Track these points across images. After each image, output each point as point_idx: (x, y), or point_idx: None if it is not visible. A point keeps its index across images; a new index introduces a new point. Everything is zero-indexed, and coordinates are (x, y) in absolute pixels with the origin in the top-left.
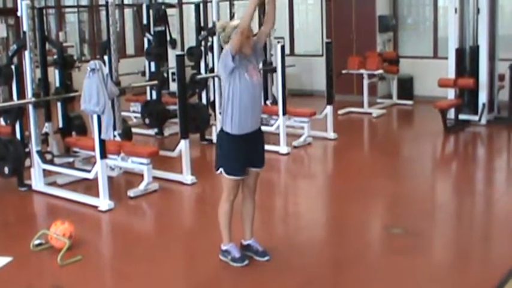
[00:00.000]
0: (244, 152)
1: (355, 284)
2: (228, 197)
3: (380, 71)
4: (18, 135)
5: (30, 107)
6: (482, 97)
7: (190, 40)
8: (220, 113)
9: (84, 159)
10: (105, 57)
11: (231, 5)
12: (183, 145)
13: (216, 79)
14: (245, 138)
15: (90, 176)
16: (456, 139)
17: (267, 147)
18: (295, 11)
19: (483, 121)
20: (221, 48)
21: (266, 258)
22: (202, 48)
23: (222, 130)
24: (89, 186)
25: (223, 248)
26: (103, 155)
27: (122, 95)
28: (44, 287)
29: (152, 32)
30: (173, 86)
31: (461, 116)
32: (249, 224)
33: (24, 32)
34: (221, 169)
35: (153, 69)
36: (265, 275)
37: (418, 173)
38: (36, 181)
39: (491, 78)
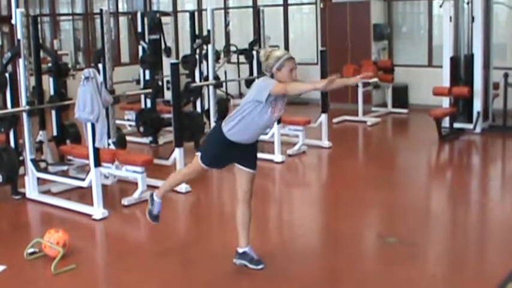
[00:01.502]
0: (228, 153)
1: None
2: (187, 175)
3: (375, 80)
4: (12, 144)
5: (24, 115)
6: (477, 105)
7: (185, 48)
8: (215, 122)
9: (78, 168)
10: (100, 65)
11: (226, 13)
12: (177, 153)
13: (211, 87)
14: (236, 143)
15: (84, 184)
16: (451, 147)
17: (262, 155)
18: (290, 19)
19: (478, 129)
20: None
21: (260, 266)
22: (197, 56)
23: (220, 125)
24: (83, 195)
25: (154, 196)
26: (97, 163)
27: (116, 103)
28: None
29: (147, 40)
30: (168, 94)
31: (456, 125)
32: (244, 232)
33: (18, 40)
34: (199, 153)
35: (147, 77)
36: (259, 283)
37: (413, 181)
38: (30, 189)
39: (485, 87)
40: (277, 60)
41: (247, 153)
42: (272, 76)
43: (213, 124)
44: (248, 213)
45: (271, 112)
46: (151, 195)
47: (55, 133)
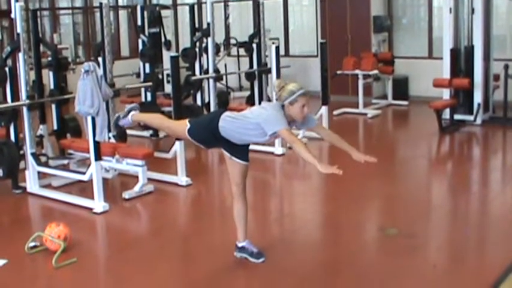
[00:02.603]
0: (218, 141)
1: (350, 285)
2: (169, 126)
3: (375, 72)
4: (12, 138)
5: (25, 109)
6: (477, 97)
7: (185, 41)
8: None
9: (78, 161)
10: (100, 59)
11: (226, 6)
12: (177, 146)
13: (211, 80)
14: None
15: (84, 178)
16: (451, 139)
17: (262, 148)
18: (290, 11)
19: (478, 121)
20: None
21: (261, 260)
22: (197, 49)
23: (220, 114)
24: (84, 188)
25: (131, 113)
26: (98, 157)
27: (117, 97)
28: None
29: (147, 34)
30: (168, 88)
31: (457, 116)
32: (242, 225)
33: (18, 34)
34: (189, 124)
35: (147, 70)
36: (260, 276)
37: (414, 173)
38: (31, 183)
39: (486, 78)
40: (291, 95)
41: (238, 147)
42: (283, 106)
43: None
44: (244, 207)
45: (269, 138)
46: (130, 110)
47: (55, 127)
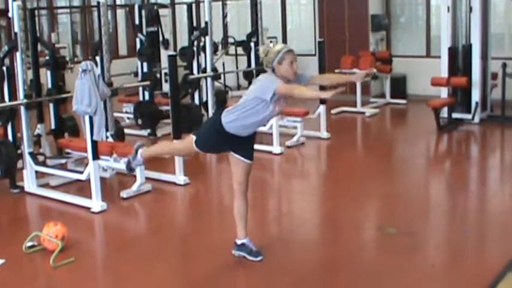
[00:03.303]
0: (224, 143)
1: (349, 283)
2: (177, 148)
3: (373, 70)
4: (10, 137)
5: (22, 109)
6: (475, 96)
7: (183, 40)
8: (213, 113)
9: (76, 161)
10: (97, 58)
11: (224, 5)
12: None
13: (209, 79)
14: (234, 135)
15: (82, 177)
16: (449, 138)
17: (260, 147)
18: (288, 10)
19: (476, 119)
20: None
21: (259, 258)
22: (195, 48)
23: (220, 114)
24: (82, 188)
25: (139, 152)
26: (95, 156)
27: (114, 96)
28: None
29: (144, 33)
30: (166, 87)
31: (455, 115)
32: (243, 223)
33: (15, 33)
34: (195, 135)
35: (145, 69)
36: (258, 274)
37: (412, 172)
38: (29, 183)
39: (484, 77)
40: (277, 54)
41: (244, 143)
42: (273, 70)
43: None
44: (245, 205)
45: (273, 108)
46: (137, 149)
47: (53, 126)
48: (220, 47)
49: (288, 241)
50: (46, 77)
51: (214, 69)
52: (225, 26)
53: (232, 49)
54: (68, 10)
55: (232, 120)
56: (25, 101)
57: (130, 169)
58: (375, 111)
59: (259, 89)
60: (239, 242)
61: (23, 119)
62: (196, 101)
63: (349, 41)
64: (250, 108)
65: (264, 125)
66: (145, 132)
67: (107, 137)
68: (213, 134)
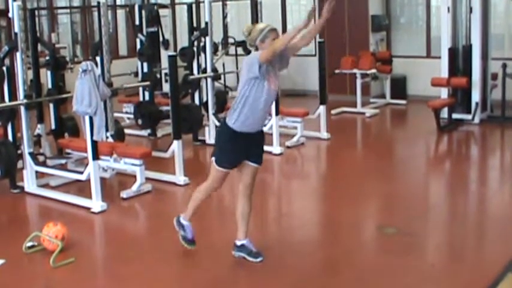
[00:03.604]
0: (240, 147)
1: (349, 284)
2: (210, 186)
3: (373, 71)
4: (10, 137)
5: (22, 109)
6: (476, 96)
7: (183, 41)
8: (213, 114)
9: (76, 161)
10: (98, 58)
11: (224, 5)
12: (175, 146)
13: (209, 79)
14: (245, 135)
15: (82, 177)
16: (449, 138)
17: None
18: (288, 10)
19: (476, 120)
20: (247, 50)
21: (259, 259)
22: (195, 48)
23: (224, 121)
24: (82, 188)
25: (183, 221)
26: (95, 156)
27: (115, 96)
28: None
29: (145, 33)
30: (166, 87)
31: (455, 115)
32: (244, 224)
33: (15, 34)
34: (213, 158)
35: (145, 70)
36: (258, 275)
37: (412, 172)
38: (29, 183)
39: (484, 77)
40: (261, 32)
41: (255, 145)
42: (256, 49)
43: (211, 116)
44: (248, 207)
45: (268, 85)
46: (178, 221)
47: (53, 126)
48: (220, 48)
49: (288, 241)
50: (46, 77)
51: (214, 70)
52: (225, 27)
53: (232, 49)
54: (68, 10)
55: (238, 115)
56: (25, 101)
57: (190, 241)
58: (375, 111)
59: (246, 70)
60: (239, 243)
61: (23, 119)
62: (197, 101)
63: (349, 41)
64: (248, 94)
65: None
66: (145, 133)
67: (107, 137)
68: (227, 142)
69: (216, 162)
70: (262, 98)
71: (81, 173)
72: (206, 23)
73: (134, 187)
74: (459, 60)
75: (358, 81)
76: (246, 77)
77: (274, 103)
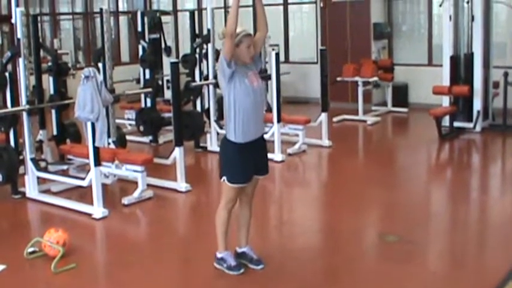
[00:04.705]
0: (249, 160)
1: None
2: (227, 205)
3: (375, 79)
4: (12, 143)
5: (24, 115)
6: (477, 104)
7: (185, 47)
8: (215, 121)
9: (78, 167)
10: (100, 65)
11: (226, 13)
12: (177, 152)
13: (211, 86)
14: (249, 146)
15: (84, 183)
16: (451, 146)
17: None
18: (290, 18)
19: (478, 128)
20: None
21: (260, 266)
22: (197, 55)
23: (225, 138)
24: (83, 194)
25: (219, 255)
26: (97, 163)
27: (116, 103)
28: None
29: (147, 39)
30: (168, 94)
31: (456, 124)
32: (244, 232)
33: (18, 39)
34: (224, 177)
35: (147, 76)
36: (259, 282)
37: (413, 180)
38: (30, 189)
39: (485, 86)
40: (236, 37)
41: (261, 155)
42: None
43: (213, 123)
44: (249, 214)
45: (249, 83)
46: (217, 259)
47: (55, 132)
48: None
49: (289, 249)
50: (48, 83)
51: (216, 77)
52: None
53: None
54: (71, 16)
55: (234, 125)
56: (27, 107)
57: (236, 268)
58: (377, 119)
59: (220, 75)
60: (240, 250)
61: (25, 125)
62: (198, 108)
63: (351, 49)
64: (233, 98)
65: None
66: (147, 139)
67: (108, 144)
68: (235, 159)
69: (228, 181)
70: (249, 100)
71: (83, 179)
72: (208, 30)
73: (135, 193)
74: (461, 68)
75: (360, 89)
76: (224, 81)
77: (275, 109)
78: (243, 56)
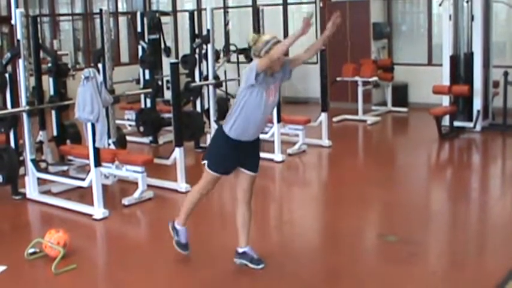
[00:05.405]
0: (234, 155)
1: None
2: (202, 189)
3: (374, 78)
4: (12, 144)
5: (25, 115)
6: (477, 104)
7: (185, 48)
8: (215, 121)
9: (78, 168)
10: (100, 65)
11: (226, 13)
12: (177, 153)
13: (211, 87)
14: (239, 143)
15: (84, 184)
16: (451, 146)
17: (262, 154)
18: (289, 18)
19: (478, 128)
20: (251, 59)
21: (261, 266)
22: (197, 56)
23: (221, 126)
24: (84, 195)
25: (176, 226)
26: (97, 163)
27: (116, 103)
28: None
29: (146, 40)
30: (167, 94)
31: (456, 123)
32: (244, 232)
33: (18, 40)
34: (206, 162)
35: (147, 77)
36: (259, 282)
37: (413, 180)
38: (31, 189)
39: (485, 85)
40: (266, 44)
41: (250, 154)
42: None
43: (213, 124)
44: (248, 214)
45: (266, 96)
46: (173, 226)
47: (55, 133)
48: (222, 55)
49: (290, 249)
50: (48, 84)
51: (216, 77)
52: (226, 34)
53: (234, 57)
54: (70, 17)
55: (234, 122)
56: (27, 107)
57: (184, 246)
58: (377, 119)
59: (244, 78)
60: (240, 250)
61: (25, 125)
62: (198, 109)
63: (351, 49)
64: (245, 102)
65: (266, 133)
66: (147, 140)
67: (108, 144)
68: (220, 147)
69: (208, 167)
70: (258, 111)
71: (83, 179)
72: (208, 30)
73: (136, 194)
74: (461, 68)
75: (360, 89)
76: (244, 85)
77: (275, 109)
78: (273, 63)
